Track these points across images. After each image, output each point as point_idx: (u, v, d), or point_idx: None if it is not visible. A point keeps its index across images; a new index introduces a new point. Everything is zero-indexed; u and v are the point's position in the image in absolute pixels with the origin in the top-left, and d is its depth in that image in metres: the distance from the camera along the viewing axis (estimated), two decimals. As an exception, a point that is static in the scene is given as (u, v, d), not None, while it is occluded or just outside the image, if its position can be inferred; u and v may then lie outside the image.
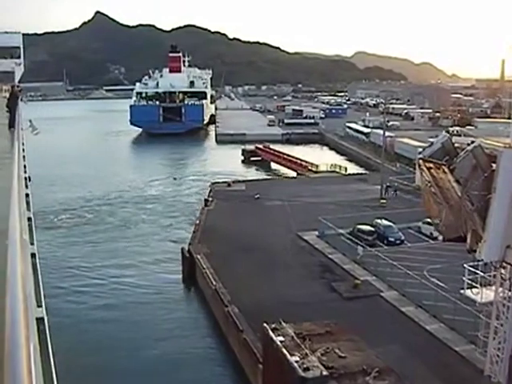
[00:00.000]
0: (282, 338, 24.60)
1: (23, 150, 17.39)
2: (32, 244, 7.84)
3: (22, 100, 30.10)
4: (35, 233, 8.76)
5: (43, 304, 5.89)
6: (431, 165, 21.40)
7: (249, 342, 32.06)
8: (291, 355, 23.15)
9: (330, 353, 23.99)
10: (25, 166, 14.38)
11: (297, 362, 22.61)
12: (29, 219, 9.24)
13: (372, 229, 51.67)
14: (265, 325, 26.29)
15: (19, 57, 51.65)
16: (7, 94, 31.39)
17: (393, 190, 72.32)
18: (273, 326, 25.98)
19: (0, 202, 9.55)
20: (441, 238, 50.03)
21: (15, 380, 2.81)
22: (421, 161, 23.07)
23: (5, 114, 25.36)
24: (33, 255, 7.33)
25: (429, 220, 53.57)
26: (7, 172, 11.97)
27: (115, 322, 41.13)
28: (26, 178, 15.52)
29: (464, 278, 25.29)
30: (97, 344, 37.49)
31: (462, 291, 25.90)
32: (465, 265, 24.87)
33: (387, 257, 44.28)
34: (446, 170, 20.92)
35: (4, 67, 48.66)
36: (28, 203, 10.99)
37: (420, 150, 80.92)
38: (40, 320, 5.07)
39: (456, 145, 25.18)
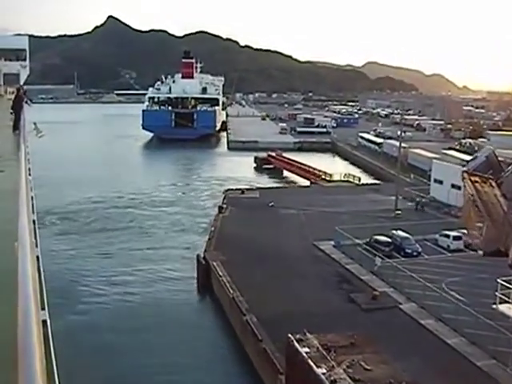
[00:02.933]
0: (307, 350, 24.29)
1: (28, 152, 17.43)
2: (36, 246, 7.87)
3: (26, 102, 29.90)
4: (39, 235, 8.76)
5: (46, 307, 5.92)
6: (477, 178, 21.07)
7: (268, 352, 31.72)
8: (317, 367, 22.84)
9: (356, 365, 23.67)
10: (29, 169, 14.46)
11: (324, 374, 22.30)
12: (33, 222, 9.24)
13: (389, 240, 51.31)
14: (289, 335, 25.97)
15: (25, 59, 51.52)
16: (12, 97, 31.21)
17: (420, 204, 70.63)
18: (297, 336, 25.66)
19: (7, 204, 9.71)
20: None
21: (30, 380, 2.81)
22: (465, 174, 22.72)
23: (9, 116, 25.25)
24: (36, 258, 7.33)
25: (446, 232, 53.76)
26: (13, 174, 12.04)
27: (127, 329, 40.61)
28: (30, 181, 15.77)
29: (497, 293, 24.90)
30: (106, 349, 37.26)
31: (494, 306, 25.48)
32: (498, 279, 24.46)
33: (405, 269, 44.04)
34: (493, 183, 20.58)
35: (10, 69, 48.60)
36: (32, 206, 11.03)
37: (435, 161, 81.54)
38: (43, 322, 5.00)
39: (499, 158, 24.82)
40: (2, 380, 4.26)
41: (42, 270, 7.34)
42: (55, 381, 4.42)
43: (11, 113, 25.46)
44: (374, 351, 25.64)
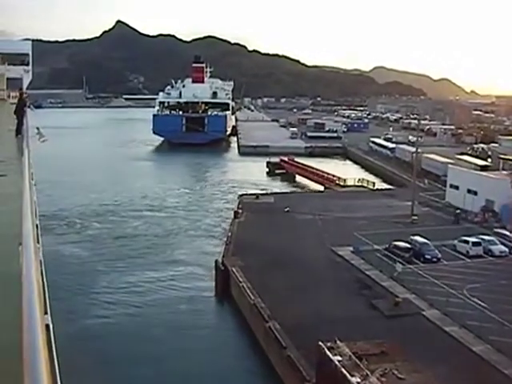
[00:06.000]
0: (339, 358, 23.99)
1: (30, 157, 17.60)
2: (39, 251, 8.15)
3: (29, 107, 29.91)
4: (47, 240, 8.84)
5: (49, 311, 6.02)
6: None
7: (294, 360, 31.37)
8: (351, 376, 22.55)
9: (389, 374, 23.39)
10: (32, 174, 14.66)
11: (358, 383, 22.00)
12: (36, 226, 9.36)
13: (408, 245, 50.98)
14: (320, 343, 25.69)
15: (28, 64, 51.67)
16: (15, 101, 31.18)
17: (458, 217, 66.39)
18: (328, 344, 25.37)
19: (10, 208, 9.84)
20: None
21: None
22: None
23: (12, 121, 25.20)
24: (40, 262, 7.53)
25: (465, 238, 53.42)
26: (16, 178, 12.20)
27: (144, 337, 40.21)
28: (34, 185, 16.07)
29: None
30: (125, 360, 36.89)
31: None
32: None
33: (425, 275, 43.73)
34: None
35: (13, 74, 48.65)
36: (35, 210, 11.14)
37: (451, 166, 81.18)
38: (46, 327, 5.08)
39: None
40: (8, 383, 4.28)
41: (44, 274, 7.39)
42: None
43: (17, 116, 25.38)
44: (404, 359, 25.34)
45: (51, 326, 5.37)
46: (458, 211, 67.26)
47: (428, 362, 29.35)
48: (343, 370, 23.03)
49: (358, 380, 22.23)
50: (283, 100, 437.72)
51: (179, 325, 42.25)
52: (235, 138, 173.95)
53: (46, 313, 5.67)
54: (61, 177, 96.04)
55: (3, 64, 48.61)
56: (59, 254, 55.66)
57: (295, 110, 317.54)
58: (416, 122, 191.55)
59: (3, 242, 8.06)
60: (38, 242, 8.76)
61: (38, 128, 29.80)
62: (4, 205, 11.02)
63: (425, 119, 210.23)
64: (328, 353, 24.54)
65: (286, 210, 68.66)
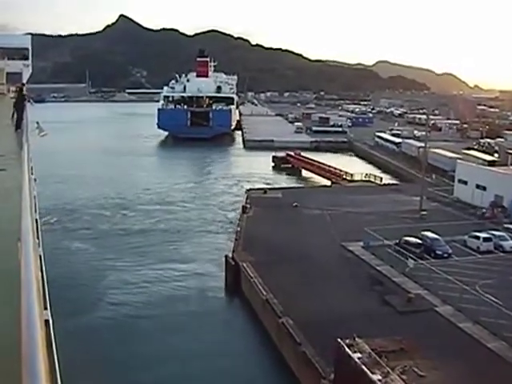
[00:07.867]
0: (359, 355, 23.78)
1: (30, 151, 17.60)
2: (38, 246, 8.17)
3: (29, 101, 29.82)
4: (48, 235, 8.80)
5: (48, 307, 6.06)
6: None
7: (309, 356, 31.15)
8: (372, 373, 22.33)
9: (409, 371, 23.20)
10: (31, 168, 14.64)
11: (379, 380, 21.80)
12: (35, 221, 9.35)
13: (419, 241, 50.71)
14: (339, 340, 25.47)
15: (27, 58, 51.73)
16: (15, 95, 31.10)
17: (483, 217, 64.29)
18: (347, 341, 25.15)
19: (9, 203, 9.83)
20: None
21: (34, 379, 2.84)
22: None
23: (11, 116, 25.11)
24: (39, 257, 7.52)
25: (476, 234, 53.18)
26: (15, 173, 12.21)
27: (151, 333, 40.02)
28: (34, 180, 16.10)
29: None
30: (131, 357, 36.65)
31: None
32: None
33: (437, 270, 43.50)
34: None
35: (12, 68, 48.66)
36: (35, 205, 11.11)
37: (459, 161, 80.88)
38: (46, 322, 5.10)
39: None
40: (6, 379, 4.29)
41: (44, 269, 7.40)
42: (57, 380, 4.54)
43: (16, 111, 25.25)
44: (424, 356, 25.13)
45: (51, 322, 5.37)
46: (484, 210, 65.92)
47: (443, 358, 29.16)
48: (363, 367, 22.81)
49: (379, 377, 22.03)
50: (287, 94, 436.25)
51: (190, 319, 42.12)
52: (239, 133, 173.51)
53: (45, 308, 5.69)
54: (63, 171, 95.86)
55: (3, 59, 48.64)
56: (65, 250, 55.75)
57: (299, 105, 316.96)
58: (421, 116, 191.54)
59: (2, 238, 7.99)
60: (38, 237, 8.75)
61: (37, 122, 29.72)
62: (3, 199, 10.96)
63: (434, 114, 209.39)
64: (347, 350, 24.32)
65: (294, 204, 68.42)
